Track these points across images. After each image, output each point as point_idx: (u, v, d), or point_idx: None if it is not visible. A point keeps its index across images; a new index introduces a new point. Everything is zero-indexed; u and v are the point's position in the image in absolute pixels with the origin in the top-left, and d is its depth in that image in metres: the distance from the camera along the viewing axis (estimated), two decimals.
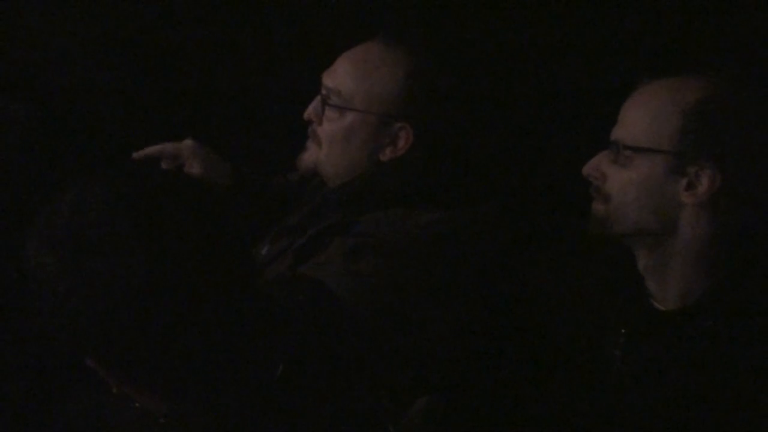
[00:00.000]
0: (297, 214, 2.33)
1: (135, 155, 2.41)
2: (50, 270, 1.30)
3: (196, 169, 2.41)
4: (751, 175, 1.91)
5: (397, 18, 2.81)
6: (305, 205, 2.34)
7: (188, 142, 2.42)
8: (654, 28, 2.72)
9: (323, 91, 2.23)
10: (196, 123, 2.81)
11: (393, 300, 2.05)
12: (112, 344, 1.30)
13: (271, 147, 2.74)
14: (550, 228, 2.43)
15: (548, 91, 2.80)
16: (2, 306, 2.08)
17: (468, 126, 2.29)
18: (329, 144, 2.23)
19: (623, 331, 1.97)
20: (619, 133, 1.96)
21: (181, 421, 1.36)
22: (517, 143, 2.82)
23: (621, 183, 1.94)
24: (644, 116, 1.93)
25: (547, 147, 2.76)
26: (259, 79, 2.90)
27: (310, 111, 2.26)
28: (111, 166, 2.43)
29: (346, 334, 1.58)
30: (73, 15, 2.86)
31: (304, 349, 1.46)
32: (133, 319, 1.28)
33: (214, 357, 1.34)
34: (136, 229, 1.29)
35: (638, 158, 1.92)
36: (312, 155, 2.27)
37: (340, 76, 2.22)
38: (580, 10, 2.77)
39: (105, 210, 1.30)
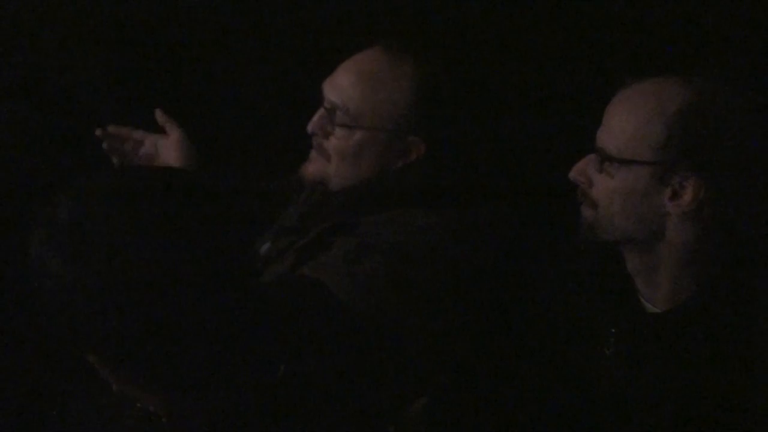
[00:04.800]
0: (296, 214, 2.33)
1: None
2: (53, 267, 1.30)
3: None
4: (735, 182, 1.91)
5: (398, 21, 2.79)
6: (304, 205, 2.33)
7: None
8: (649, 27, 2.73)
9: (327, 105, 2.17)
10: (195, 124, 2.81)
11: (393, 301, 2.04)
12: (113, 341, 1.30)
13: (271, 150, 2.74)
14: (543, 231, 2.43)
15: (550, 94, 2.80)
16: (2, 306, 2.08)
17: (474, 130, 2.27)
18: (338, 160, 2.18)
19: (613, 330, 1.98)
20: (603, 139, 1.95)
21: (182, 422, 1.37)
22: (517, 146, 2.82)
23: (607, 191, 1.94)
24: (627, 125, 1.92)
25: (548, 150, 2.76)
26: (260, 81, 2.90)
27: (314, 125, 2.19)
28: (109, 167, 2.45)
29: (346, 335, 1.59)
30: (73, 14, 2.86)
31: (305, 349, 1.47)
32: (134, 315, 1.29)
33: (215, 356, 1.34)
34: (137, 227, 1.29)
35: (622, 169, 1.92)
36: (318, 168, 2.22)
37: (346, 91, 2.15)
38: (583, 13, 2.77)
39: (107, 207, 1.30)
